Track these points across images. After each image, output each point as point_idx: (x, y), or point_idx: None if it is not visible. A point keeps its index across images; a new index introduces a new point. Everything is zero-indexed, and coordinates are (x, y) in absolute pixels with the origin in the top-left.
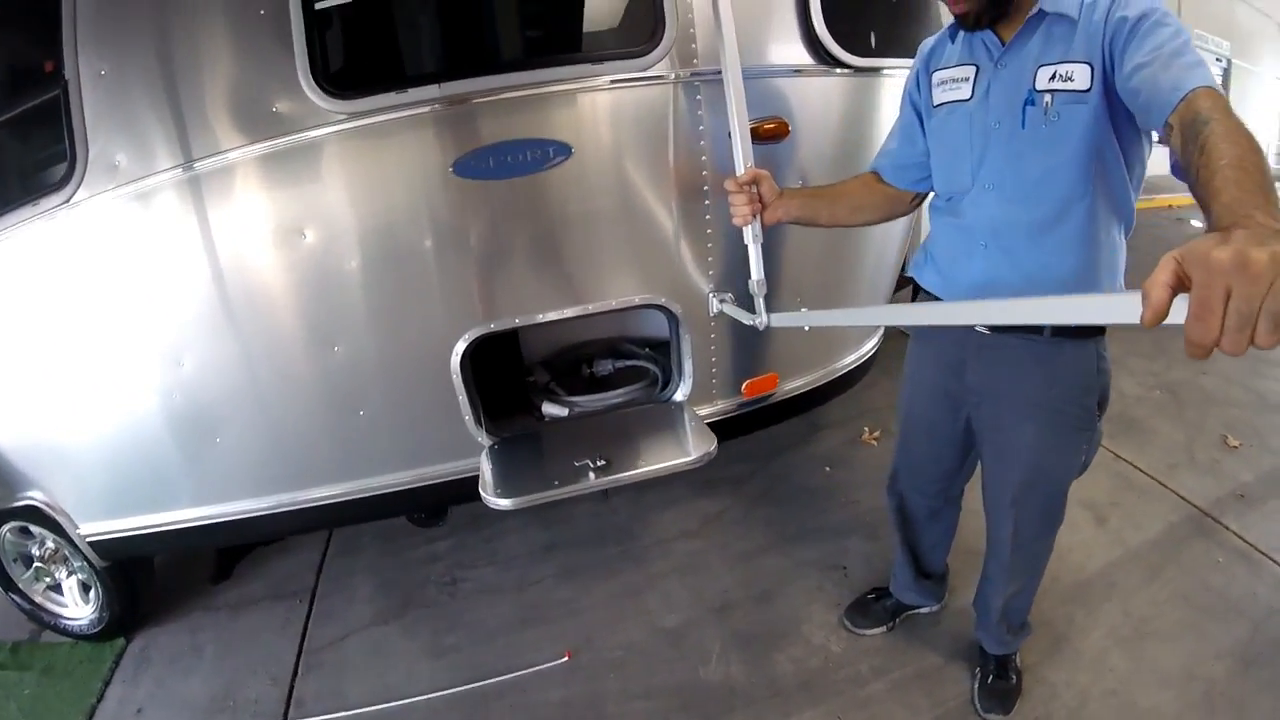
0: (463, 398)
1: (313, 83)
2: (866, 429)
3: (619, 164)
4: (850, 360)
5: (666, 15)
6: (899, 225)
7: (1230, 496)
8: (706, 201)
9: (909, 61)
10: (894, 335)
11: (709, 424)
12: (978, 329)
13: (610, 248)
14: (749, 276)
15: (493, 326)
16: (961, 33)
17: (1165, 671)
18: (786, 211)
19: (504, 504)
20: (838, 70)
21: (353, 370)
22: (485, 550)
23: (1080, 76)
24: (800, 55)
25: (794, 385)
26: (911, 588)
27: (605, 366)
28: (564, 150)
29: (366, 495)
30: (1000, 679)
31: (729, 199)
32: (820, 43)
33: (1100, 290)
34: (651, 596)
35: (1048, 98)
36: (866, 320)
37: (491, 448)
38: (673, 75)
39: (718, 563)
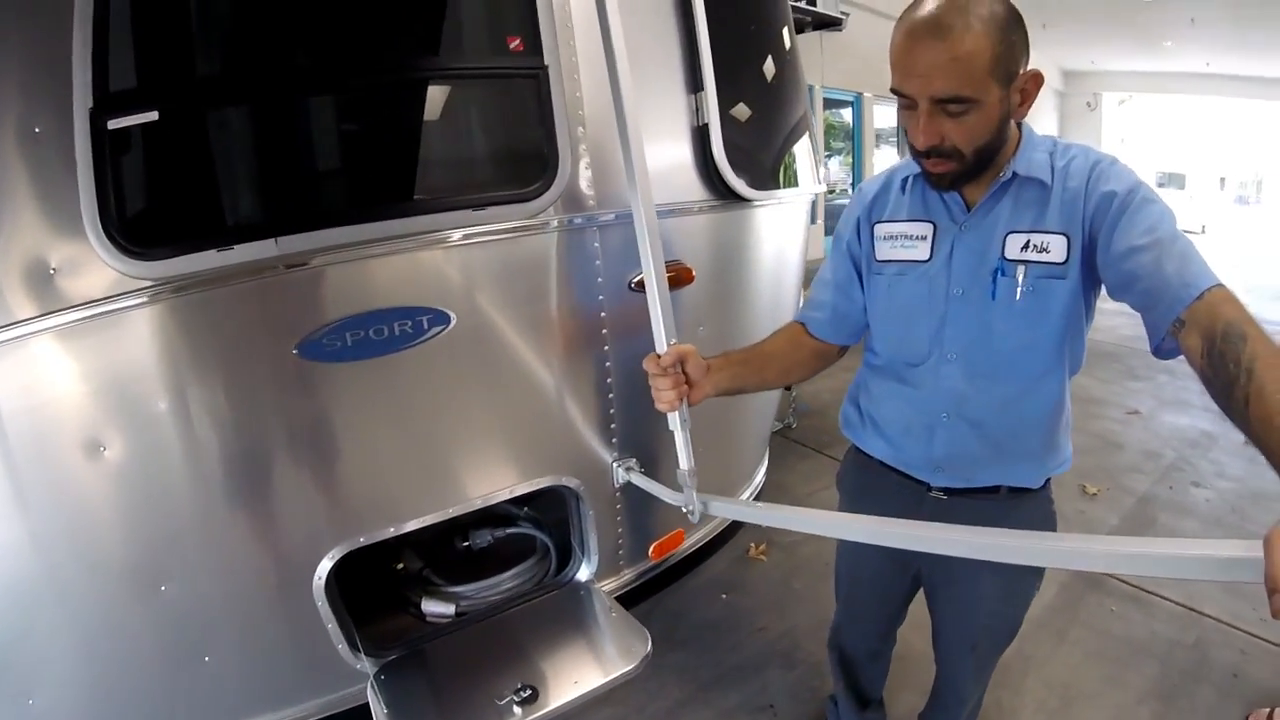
0: (332, 626)
1: (103, 236)
2: (752, 544)
3: (508, 329)
4: (747, 496)
5: (560, 150)
6: None
7: None
8: (608, 363)
9: (795, 191)
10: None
11: (619, 596)
12: (932, 494)
13: (499, 429)
14: (676, 465)
15: (362, 540)
16: (911, 185)
17: None
18: (715, 386)
19: None
20: (737, 204)
21: (188, 612)
22: None
23: (1056, 248)
24: (698, 190)
25: (698, 536)
26: None
27: (483, 538)
28: (442, 319)
29: None
30: None
31: (651, 382)
32: (720, 175)
33: (1056, 445)
34: None
35: (1021, 269)
36: (862, 536)
37: (377, 678)
38: (567, 221)
39: None
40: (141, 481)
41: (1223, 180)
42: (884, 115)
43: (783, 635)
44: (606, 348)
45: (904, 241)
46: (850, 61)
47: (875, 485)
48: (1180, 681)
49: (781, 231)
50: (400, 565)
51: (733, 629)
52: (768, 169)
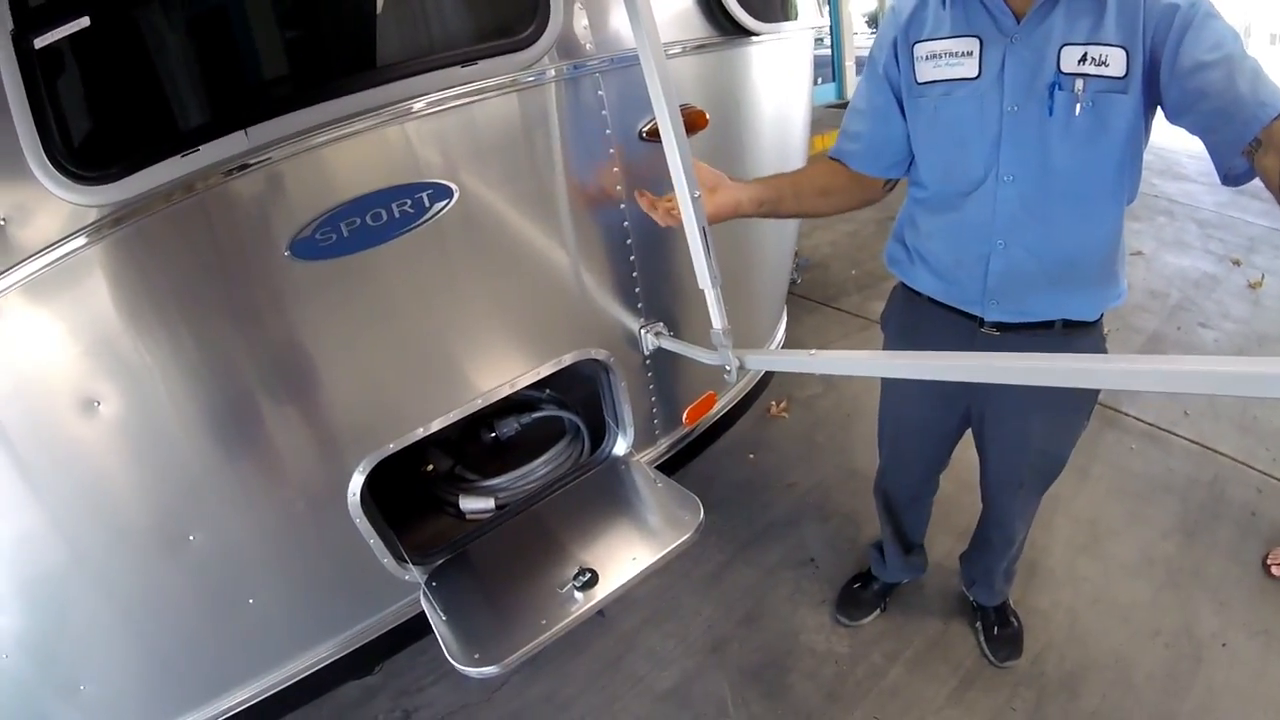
0: (374, 541)
1: (51, 169)
2: (772, 403)
3: (517, 196)
4: None
5: None
6: None
7: None
8: (626, 223)
9: (799, 25)
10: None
11: (657, 467)
12: (984, 330)
13: (521, 306)
14: (711, 326)
15: (391, 447)
16: None
17: (1128, 563)
18: (750, 195)
19: (488, 671)
20: (741, 39)
21: (223, 557)
22: (426, 664)
23: (1115, 61)
24: (699, 26)
25: (728, 397)
26: (901, 567)
27: (509, 426)
28: (444, 193)
29: (290, 683)
30: (1004, 626)
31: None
32: (725, 9)
33: (1113, 276)
34: (635, 659)
35: (1079, 83)
36: (913, 372)
37: (429, 585)
38: (566, 69)
39: (687, 597)
40: (147, 430)
41: None
42: None
43: (813, 489)
44: (623, 205)
45: (948, 59)
46: None
47: (924, 323)
48: (1201, 518)
49: (788, 69)
50: (429, 467)
51: (764, 488)
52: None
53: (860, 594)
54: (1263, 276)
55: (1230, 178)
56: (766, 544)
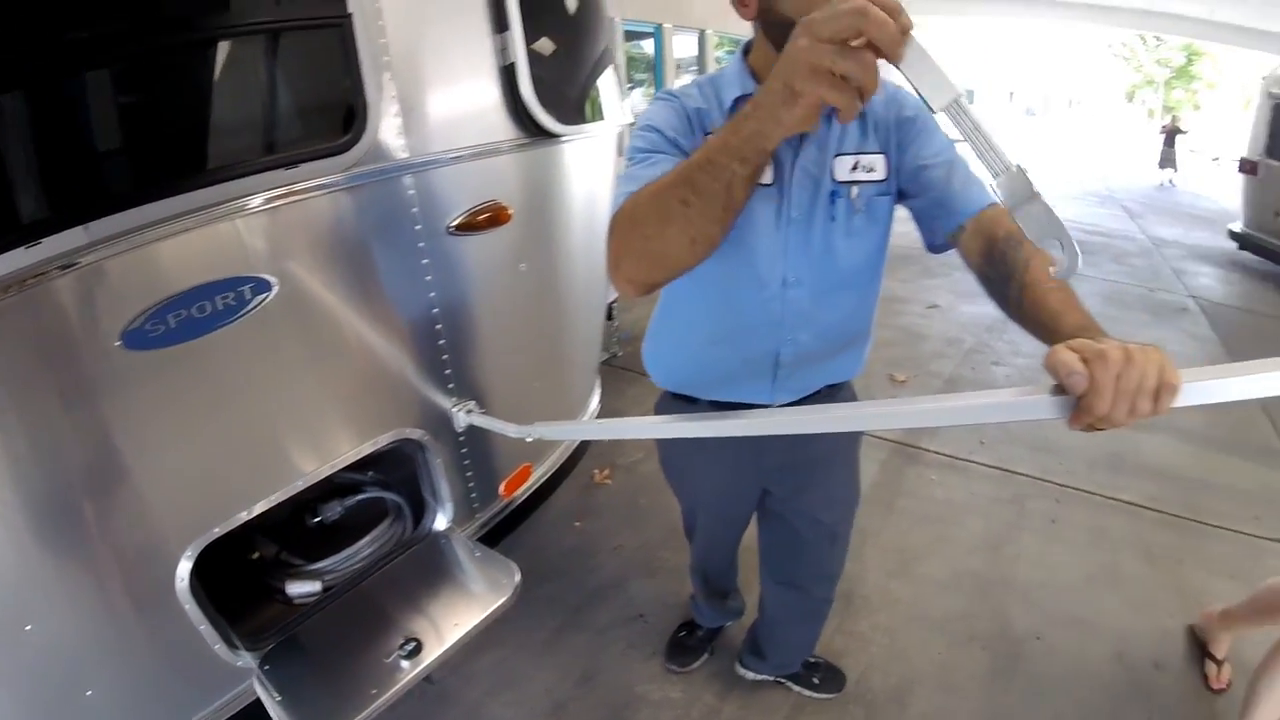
0: (205, 626)
1: None
2: (596, 471)
3: (331, 289)
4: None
5: (369, 99)
6: (601, 274)
7: None
8: (435, 309)
9: (602, 125)
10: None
11: (479, 539)
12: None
13: (337, 391)
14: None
15: (216, 531)
16: (735, 102)
17: (940, 580)
18: None
19: None
20: (547, 140)
21: (59, 647)
22: None
23: (879, 167)
24: (508, 129)
25: (544, 468)
26: (720, 613)
27: (333, 510)
28: (263, 287)
29: None
30: (818, 671)
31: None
32: (529, 112)
33: (869, 333)
34: None
35: (854, 190)
36: (697, 431)
37: (262, 669)
38: (381, 171)
39: (525, 665)
40: None
41: (1012, 94)
42: (684, 45)
43: (639, 549)
44: (432, 294)
45: None
46: None
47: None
48: (1003, 530)
49: (592, 164)
50: (256, 554)
51: (592, 552)
52: (575, 103)
53: (686, 641)
54: None
55: (933, 248)
56: (597, 606)
